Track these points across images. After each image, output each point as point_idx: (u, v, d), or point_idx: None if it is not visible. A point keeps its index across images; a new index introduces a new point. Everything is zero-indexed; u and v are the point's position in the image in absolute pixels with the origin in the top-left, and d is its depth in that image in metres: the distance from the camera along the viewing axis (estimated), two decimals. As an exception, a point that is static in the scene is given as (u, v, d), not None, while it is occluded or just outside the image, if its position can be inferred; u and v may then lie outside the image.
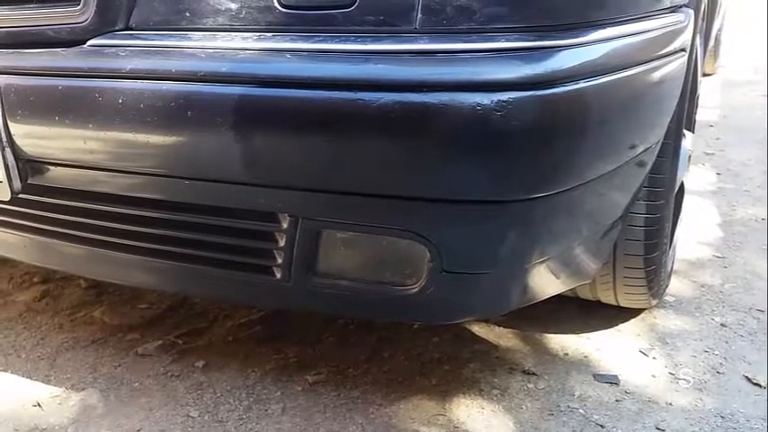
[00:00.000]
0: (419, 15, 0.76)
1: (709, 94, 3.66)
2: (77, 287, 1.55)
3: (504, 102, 0.72)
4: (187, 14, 0.86)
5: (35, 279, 1.59)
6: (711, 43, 3.37)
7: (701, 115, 2.68)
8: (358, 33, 0.78)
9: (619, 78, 0.82)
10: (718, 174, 2.39)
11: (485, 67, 0.73)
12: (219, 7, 0.85)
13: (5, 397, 1.18)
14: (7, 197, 0.96)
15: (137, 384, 1.21)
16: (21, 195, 0.97)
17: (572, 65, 0.76)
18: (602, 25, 0.81)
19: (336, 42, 0.78)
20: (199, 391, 1.19)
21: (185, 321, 1.40)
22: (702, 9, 1.34)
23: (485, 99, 0.72)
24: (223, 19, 0.85)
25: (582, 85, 0.76)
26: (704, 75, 3.36)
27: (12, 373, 1.25)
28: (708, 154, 2.64)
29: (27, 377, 1.24)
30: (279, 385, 1.20)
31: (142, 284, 1.25)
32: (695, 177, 2.29)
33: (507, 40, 0.74)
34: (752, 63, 4.72)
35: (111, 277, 1.18)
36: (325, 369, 1.24)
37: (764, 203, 2.07)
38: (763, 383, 1.19)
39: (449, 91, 0.72)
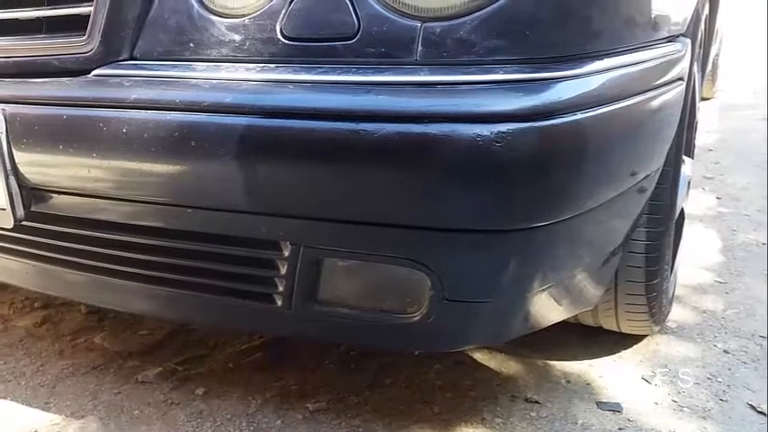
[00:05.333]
0: (419, 47, 0.78)
1: (707, 118, 3.68)
2: (78, 313, 1.55)
3: (503, 133, 0.73)
4: (191, 45, 0.88)
5: (36, 304, 1.59)
6: (709, 68, 3.40)
7: (701, 139, 2.70)
8: (360, 65, 0.80)
9: (617, 109, 0.83)
10: (718, 198, 2.40)
11: (484, 99, 0.74)
12: (223, 38, 0.86)
13: (4, 424, 1.17)
14: (10, 224, 0.97)
15: (137, 412, 1.20)
16: (24, 223, 0.98)
17: (570, 96, 0.77)
18: (600, 56, 0.83)
19: (338, 74, 0.79)
20: (199, 420, 1.18)
21: (185, 348, 1.40)
22: (699, 38, 1.36)
23: (484, 130, 0.73)
24: (227, 50, 0.86)
25: (580, 116, 0.77)
26: (703, 99, 3.39)
27: (11, 399, 1.24)
28: (707, 178, 2.65)
29: (26, 404, 1.23)
30: (279, 413, 1.19)
31: (143, 312, 1.25)
32: (695, 202, 2.30)
33: (506, 72, 0.76)
34: (750, 86, 4.76)
35: (112, 304, 1.18)
36: (326, 397, 1.23)
37: (765, 228, 2.07)
38: (767, 411, 1.18)
39: (449, 122, 0.73)
